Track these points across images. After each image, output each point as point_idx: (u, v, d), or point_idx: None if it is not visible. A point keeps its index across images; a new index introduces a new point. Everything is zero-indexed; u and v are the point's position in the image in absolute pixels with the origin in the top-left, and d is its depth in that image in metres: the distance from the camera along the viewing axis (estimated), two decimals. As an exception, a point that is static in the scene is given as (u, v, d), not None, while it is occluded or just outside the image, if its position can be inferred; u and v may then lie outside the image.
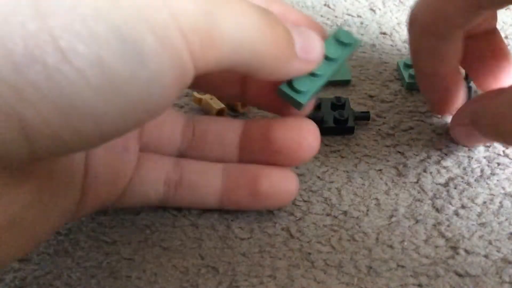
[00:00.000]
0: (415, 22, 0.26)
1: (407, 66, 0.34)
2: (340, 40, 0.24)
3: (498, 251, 0.24)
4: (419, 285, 0.22)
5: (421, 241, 0.24)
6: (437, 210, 0.26)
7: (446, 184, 0.27)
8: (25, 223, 0.18)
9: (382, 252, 0.24)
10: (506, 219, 0.25)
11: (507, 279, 0.23)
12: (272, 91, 0.23)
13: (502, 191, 0.27)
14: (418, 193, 0.27)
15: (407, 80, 0.33)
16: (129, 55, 0.15)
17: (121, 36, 0.15)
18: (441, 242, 0.24)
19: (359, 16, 0.41)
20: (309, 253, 0.24)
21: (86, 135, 0.16)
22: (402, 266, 0.23)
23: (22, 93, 0.14)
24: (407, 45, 0.38)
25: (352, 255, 0.24)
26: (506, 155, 0.29)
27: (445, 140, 0.30)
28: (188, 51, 0.17)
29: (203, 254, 0.24)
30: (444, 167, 0.28)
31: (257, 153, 0.25)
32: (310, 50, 0.22)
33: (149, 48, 0.16)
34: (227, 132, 0.25)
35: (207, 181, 0.25)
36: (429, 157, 0.29)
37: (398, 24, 0.40)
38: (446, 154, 0.29)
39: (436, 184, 0.27)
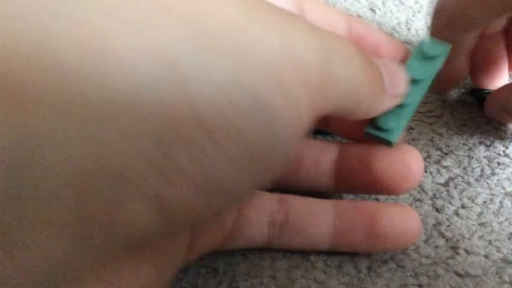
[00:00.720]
0: (440, 12, 0.25)
1: None
2: (426, 54, 0.23)
3: (498, 251, 0.24)
4: (419, 285, 0.22)
5: (421, 241, 0.24)
6: (437, 210, 0.26)
7: (446, 184, 0.27)
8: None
9: (382, 252, 0.24)
10: (506, 219, 0.25)
11: (507, 279, 0.23)
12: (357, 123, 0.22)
13: (503, 191, 0.27)
14: (418, 193, 0.27)
15: None
16: (263, 120, 0.14)
17: (256, 102, 0.14)
18: (441, 242, 0.24)
19: (359, 16, 0.41)
20: (309, 253, 0.24)
21: (220, 207, 0.15)
22: (402, 266, 0.23)
23: (164, 173, 0.13)
24: (407, 45, 0.38)
25: (352, 255, 0.24)
26: (507, 155, 0.29)
27: (445, 140, 0.30)
28: (309, 104, 0.16)
29: (203, 254, 0.24)
30: (444, 167, 0.28)
31: (356, 182, 0.23)
32: (397, 84, 0.21)
33: (279, 109, 0.14)
34: (323, 157, 0.24)
35: (317, 220, 0.23)
36: (429, 156, 0.29)
37: (398, 24, 0.40)
38: (446, 154, 0.29)
39: (436, 184, 0.27)
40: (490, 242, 0.24)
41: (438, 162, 0.28)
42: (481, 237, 0.24)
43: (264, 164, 0.15)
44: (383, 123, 0.21)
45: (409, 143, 0.29)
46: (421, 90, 0.22)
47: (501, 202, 0.26)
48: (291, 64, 0.15)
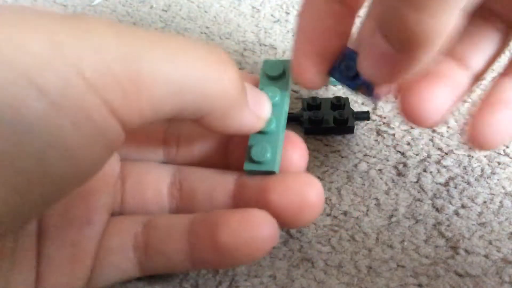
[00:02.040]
0: None
1: None
2: (270, 75, 0.23)
3: (498, 251, 0.24)
4: (419, 285, 0.22)
5: (421, 241, 0.24)
6: (437, 210, 0.26)
7: (446, 184, 0.27)
8: None
9: (382, 252, 0.24)
10: (506, 219, 0.25)
11: (507, 279, 0.23)
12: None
13: (503, 191, 0.27)
14: (418, 193, 0.27)
15: None
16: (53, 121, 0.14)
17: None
18: (441, 242, 0.24)
19: (358, 16, 0.41)
20: (309, 253, 0.24)
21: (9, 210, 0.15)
22: (402, 266, 0.23)
23: None
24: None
25: (352, 255, 0.24)
26: (507, 154, 0.29)
27: (445, 139, 0.30)
28: (107, 110, 0.15)
29: (203, 255, 0.24)
30: (444, 167, 0.28)
31: None
32: (260, 104, 0.21)
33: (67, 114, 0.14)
34: (218, 190, 0.22)
35: (172, 239, 0.21)
36: (429, 156, 0.29)
37: (398, 23, 0.40)
38: (446, 154, 0.29)
39: (436, 183, 0.27)
40: (490, 242, 0.24)
41: (438, 162, 0.28)
42: (481, 237, 0.24)
43: (60, 178, 0.15)
44: (259, 156, 0.21)
45: (409, 143, 0.30)
46: (281, 113, 0.22)
47: (501, 201, 0.26)
48: (70, 69, 0.15)
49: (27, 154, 0.14)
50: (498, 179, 0.27)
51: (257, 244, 0.20)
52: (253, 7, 0.43)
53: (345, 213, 0.26)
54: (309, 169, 0.28)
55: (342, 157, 0.29)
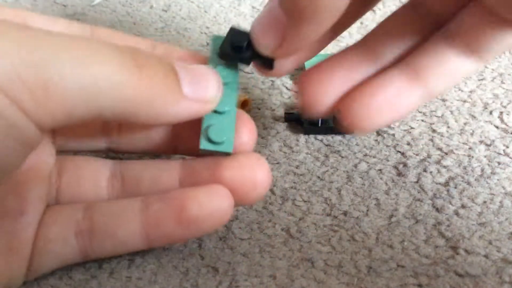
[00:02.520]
0: None
1: None
2: (219, 51, 0.22)
3: (498, 251, 0.24)
4: (419, 285, 0.22)
5: (421, 241, 0.24)
6: (437, 210, 0.26)
7: (446, 184, 0.27)
8: None
9: (382, 252, 0.24)
10: (507, 219, 0.25)
11: (507, 279, 0.23)
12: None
13: (503, 191, 0.27)
14: (418, 193, 0.27)
15: None
16: None
17: None
18: (441, 242, 0.24)
19: (359, 16, 0.41)
20: (309, 253, 0.24)
21: None
22: (402, 266, 0.23)
23: None
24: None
25: (352, 255, 0.24)
26: (507, 154, 0.29)
27: (445, 140, 0.30)
28: (18, 109, 0.16)
29: (203, 254, 0.24)
30: (444, 167, 0.28)
31: None
32: (204, 88, 0.20)
33: None
34: (164, 176, 0.23)
35: (122, 221, 0.21)
36: (429, 156, 0.29)
37: (399, 23, 0.40)
38: (446, 154, 0.29)
39: (436, 183, 0.27)
40: (490, 242, 0.24)
41: (438, 162, 0.28)
42: (481, 237, 0.24)
43: None
44: (218, 136, 0.21)
45: (409, 143, 0.30)
46: (234, 91, 0.22)
47: (501, 202, 0.26)
48: None
49: None
50: (498, 179, 0.27)
51: (222, 214, 0.21)
52: (253, 7, 0.43)
53: (345, 213, 0.26)
54: (309, 169, 0.28)
55: (342, 157, 0.29)
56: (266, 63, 0.22)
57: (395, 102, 0.22)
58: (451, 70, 0.22)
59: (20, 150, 0.17)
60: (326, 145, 0.30)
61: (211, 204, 0.21)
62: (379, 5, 0.42)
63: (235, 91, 0.22)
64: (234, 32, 0.22)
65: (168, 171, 0.23)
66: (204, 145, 0.21)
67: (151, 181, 0.23)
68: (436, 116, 0.31)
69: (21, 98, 0.16)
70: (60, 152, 0.24)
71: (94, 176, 0.23)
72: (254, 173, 0.22)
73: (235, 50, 0.22)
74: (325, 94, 0.23)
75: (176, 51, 0.23)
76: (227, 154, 0.22)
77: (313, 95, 0.23)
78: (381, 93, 0.22)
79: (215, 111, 0.22)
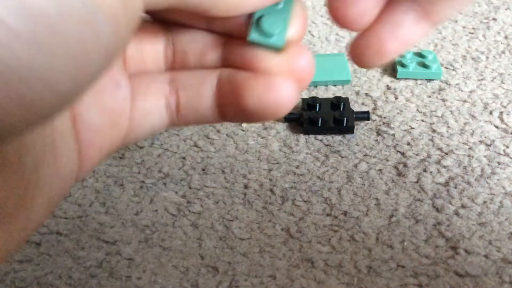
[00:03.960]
0: None
1: (400, 56, 0.35)
2: None
3: (498, 251, 0.24)
4: (419, 285, 0.22)
5: (421, 241, 0.24)
6: (437, 210, 0.26)
7: (446, 184, 0.27)
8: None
9: (382, 252, 0.24)
10: (506, 219, 0.25)
11: (507, 279, 0.23)
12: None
13: (503, 191, 0.27)
14: (418, 193, 0.27)
15: (399, 69, 0.35)
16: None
17: None
18: (441, 242, 0.24)
19: (359, 16, 0.41)
20: (309, 253, 0.24)
21: (35, 103, 0.14)
22: (402, 266, 0.23)
23: None
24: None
25: (352, 255, 0.24)
26: (507, 154, 0.29)
27: (445, 140, 0.30)
28: None
29: (203, 254, 0.24)
30: (444, 167, 0.28)
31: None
32: None
33: None
34: (208, 54, 0.23)
35: (204, 97, 0.23)
36: (429, 156, 0.29)
37: (399, 23, 0.40)
38: (446, 154, 0.29)
39: (436, 183, 0.27)
40: (490, 242, 0.24)
41: (438, 162, 0.28)
42: (481, 237, 0.24)
43: (81, 50, 0.14)
44: (270, 28, 0.20)
45: (409, 143, 0.30)
46: None
47: (501, 202, 0.26)
48: None
49: (78, 24, 0.14)
50: (498, 179, 0.27)
51: (279, 106, 0.21)
52: (253, 7, 0.43)
53: (345, 213, 0.26)
54: (309, 169, 0.28)
55: (342, 157, 0.29)
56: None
57: (404, 40, 0.23)
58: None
59: (129, 29, 0.16)
60: (326, 145, 0.30)
61: (268, 96, 0.21)
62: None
63: None
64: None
65: (212, 48, 0.23)
66: (253, 36, 0.21)
67: (196, 56, 0.23)
68: (436, 116, 0.31)
69: None
70: None
71: (154, 40, 0.23)
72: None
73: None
74: (357, 13, 0.23)
75: None
76: (277, 49, 0.21)
77: (346, 13, 0.23)
78: (393, 37, 0.22)
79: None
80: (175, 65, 0.24)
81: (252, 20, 0.21)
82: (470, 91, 0.33)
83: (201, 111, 0.23)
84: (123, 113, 0.22)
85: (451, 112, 0.32)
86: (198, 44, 0.23)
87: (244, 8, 0.20)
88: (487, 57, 0.36)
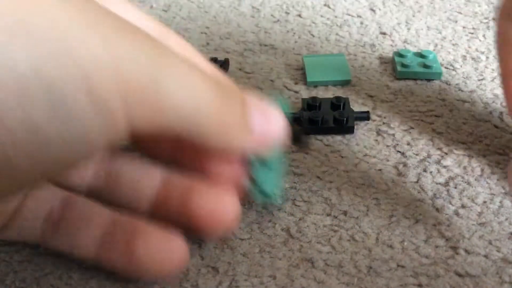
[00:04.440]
0: (498, 9, 0.24)
1: (400, 55, 0.35)
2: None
3: (498, 251, 0.24)
4: (419, 285, 0.22)
5: (421, 241, 0.24)
6: (437, 210, 0.26)
7: (446, 184, 0.27)
8: None
9: (382, 252, 0.24)
10: (506, 219, 0.25)
11: (507, 279, 0.23)
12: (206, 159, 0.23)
13: (503, 191, 0.27)
14: (418, 193, 0.27)
15: (399, 69, 0.34)
16: (62, 116, 0.15)
17: (55, 98, 0.15)
18: (441, 242, 0.24)
19: (359, 16, 0.41)
20: (309, 253, 0.24)
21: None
22: (402, 266, 0.23)
23: None
24: (407, 45, 0.38)
25: (352, 255, 0.24)
26: (506, 154, 0.29)
27: (445, 139, 0.30)
28: (124, 114, 0.16)
29: (203, 254, 0.24)
30: (444, 167, 0.28)
31: (173, 214, 0.23)
32: (269, 124, 0.21)
33: (80, 108, 0.15)
34: (144, 181, 0.23)
35: (87, 228, 0.22)
36: (429, 156, 0.29)
37: (398, 24, 0.40)
38: (446, 154, 0.29)
39: (436, 183, 0.27)
40: (490, 242, 0.24)
41: (438, 162, 0.28)
42: (481, 237, 0.24)
43: (57, 157, 0.16)
44: (270, 191, 0.23)
45: (409, 143, 0.30)
46: (279, 152, 0.23)
47: (501, 202, 0.26)
48: (112, 74, 0.16)
49: (63, 139, 0.15)
50: (498, 179, 0.27)
51: (170, 265, 0.22)
52: (253, 7, 0.43)
53: (345, 213, 0.26)
54: (310, 169, 0.28)
55: (342, 157, 0.29)
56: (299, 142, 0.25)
57: None
58: None
59: (106, 145, 0.17)
60: (326, 145, 0.30)
61: (161, 250, 0.21)
62: (379, 5, 0.42)
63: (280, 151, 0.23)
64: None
65: (149, 178, 0.23)
66: (258, 199, 0.23)
67: (131, 182, 0.23)
68: (436, 116, 0.31)
69: (133, 109, 0.16)
70: None
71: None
72: (224, 210, 0.22)
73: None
74: None
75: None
76: (276, 206, 0.24)
77: None
78: None
79: (264, 165, 0.23)
80: (105, 184, 0.23)
81: (255, 182, 0.23)
82: (470, 91, 0.33)
83: (78, 239, 0.22)
84: (10, 205, 0.22)
85: (451, 111, 0.32)
86: (136, 171, 0.23)
87: (234, 149, 0.21)
88: (487, 57, 0.36)
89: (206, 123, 0.19)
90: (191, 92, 0.18)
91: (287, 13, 0.42)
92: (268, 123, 0.21)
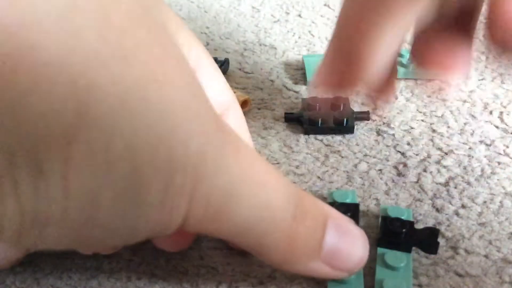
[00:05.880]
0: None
1: (400, 55, 0.35)
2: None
3: (498, 251, 0.24)
4: (419, 285, 0.22)
5: (421, 241, 0.24)
6: (437, 210, 0.26)
7: (446, 184, 0.27)
8: None
9: (382, 252, 0.24)
10: (507, 219, 0.25)
11: (507, 279, 0.23)
12: None
13: (503, 191, 0.27)
14: (418, 193, 0.27)
15: (399, 69, 0.34)
16: (126, 196, 0.14)
17: (133, 176, 0.14)
18: (441, 242, 0.24)
19: (359, 16, 0.41)
20: (309, 253, 0.24)
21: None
22: (402, 266, 0.23)
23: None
24: (407, 45, 0.38)
25: (352, 255, 0.24)
26: (507, 154, 0.29)
27: (445, 139, 0.30)
28: (185, 216, 0.16)
29: (203, 255, 0.24)
30: (444, 167, 0.28)
31: None
32: (343, 255, 0.19)
33: (148, 200, 0.15)
34: None
35: None
36: (429, 156, 0.29)
37: (398, 23, 0.40)
38: (446, 153, 0.29)
39: (436, 183, 0.27)
40: (490, 242, 0.24)
41: (438, 162, 0.28)
42: (481, 237, 0.24)
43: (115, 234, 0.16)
44: None
45: (409, 143, 0.30)
46: (408, 277, 0.22)
47: (501, 202, 0.26)
48: (191, 171, 0.15)
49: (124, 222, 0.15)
50: (498, 179, 0.27)
51: None
52: (253, 7, 0.43)
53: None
54: (309, 169, 0.28)
55: (342, 157, 0.29)
56: (430, 248, 0.23)
57: None
58: None
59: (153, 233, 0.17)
60: (326, 145, 0.30)
61: None
62: (379, 5, 0.42)
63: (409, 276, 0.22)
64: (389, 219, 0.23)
65: None
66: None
67: None
68: (436, 116, 0.31)
69: (196, 213, 0.16)
70: None
71: None
72: None
73: (394, 236, 0.23)
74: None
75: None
76: None
77: None
78: None
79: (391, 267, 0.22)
80: None
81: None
82: (470, 91, 0.33)
83: None
84: None
85: (451, 112, 0.32)
86: None
87: (297, 271, 0.20)
88: (487, 57, 0.36)
89: (271, 245, 0.18)
90: (264, 211, 0.17)
91: (287, 13, 0.42)
92: (343, 253, 0.19)
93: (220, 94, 0.22)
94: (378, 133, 0.30)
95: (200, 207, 0.16)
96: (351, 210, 0.23)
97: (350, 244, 0.20)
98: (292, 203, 0.18)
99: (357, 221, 0.23)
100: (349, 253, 0.20)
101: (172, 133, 0.14)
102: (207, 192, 0.16)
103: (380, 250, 0.23)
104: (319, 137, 0.30)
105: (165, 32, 0.15)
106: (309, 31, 0.40)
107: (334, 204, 0.24)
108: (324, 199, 0.26)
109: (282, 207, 0.18)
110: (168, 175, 0.15)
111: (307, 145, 0.30)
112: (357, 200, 0.26)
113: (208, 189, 0.16)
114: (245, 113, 0.32)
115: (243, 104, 0.32)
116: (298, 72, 0.35)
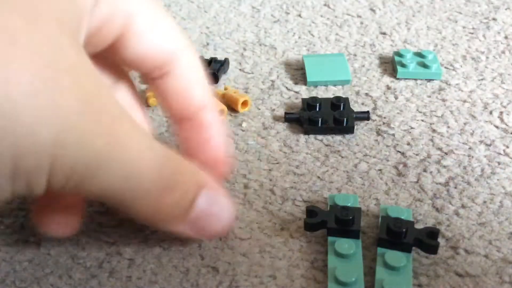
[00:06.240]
0: None
1: (400, 55, 0.36)
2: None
3: (498, 251, 0.24)
4: (419, 285, 0.22)
5: (421, 241, 0.24)
6: (437, 210, 0.26)
7: (446, 184, 0.27)
8: None
9: (382, 252, 0.24)
10: (506, 219, 0.25)
11: (507, 279, 0.23)
12: None
13: (503, 191, 0.27)
14: (418, 193, 0.27)
15: (399, 69, 0.35)
16: None
17: None
18: (441, 242, 0.24)
19: (359, 16, 0.41)
20: (309, 253, 0.24)
21: None
22: (402, 266, 0.23)
23: None
24: (407, 45, 0.38)
25: (352, 255, 0.24)
26: (507, 154, 0.29)
27: (445, 140, 0.30)
28: (47, 185, 0.17)
29: (203, 254, 0.24)
30: (444, 167, 0.28)
31: None
32: (206, 226, 0.22)
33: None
34: None
35: None
36: (429, 156, 0.29)
37: (398, 24, 0.40)
38: (446, 154, 0.29)
39: (436, 183, 0.27)
40: (490, 242, 0.24)
41: (438, 162, 0.28)
42: (481, 237, 0.24)
43: None
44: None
45: (409, 143, 0.30)
46: (408, 277, 0.22)
47: (501, 201, 0.26)
48: (45, 153, 0.16)
49: None
50: (498, 179, 0.27)
51: None
52: (253, 7, 0.43)
53: (345, 213, 0.26)
54: (310, 169, 0.28)
55: (342, 157, 0.29)
56: (430, 248, 0.23)
57: None
58: None
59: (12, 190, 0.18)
60: (326, 145, 0.30)
61: None
62: (379, 5, 0.42)
63: (409, 278, 0.22)
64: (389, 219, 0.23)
65: None
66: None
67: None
68: (436, 116, 0.31)
69: (56, 178, 0.17)
70: None
71: None
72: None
73: (394, 236, 0.23)
74: None
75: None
76: None
77: None
78: None
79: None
80: None
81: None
82: (470, 91, 0.33)
83: None
84: None
85: (451, 112, 0.32)
86: None
87: (162, 228, 0.22)
88: (487, 57, 0.36)
89: (139, 209, 0.20)
90: (131, 181, 0.19)
91: (287, 13, 0.42)
92: (209, 221, 0.22)
93: (160, 43, 0.22)
94: (378, 133, 0.30)
95: (61, 179, 0.17)
96: (353, 214, 0.23)
97: (215, 215, 0.22)
98: (164, 175, 0.20)
99: (358, 225, 0.23)
100: (212, 223, 0.22)
101: (16, 124, 0.16)
102: (69, 166, 0.17)
103: (380, 250, 0.23)
104: (319, 137, 0.30)
105: None
106: (309, 31, 0.40)
107: (334, 207, 0.24)
108: (324, 199, 0.27)
109: (150, 179, 0.19)
110: (14, 160, 0.16)
111: (307, 145, 0.30)
112: (359, 205, 0.26)
113: (70, 163, 0.17)
114: (245, 113, 0.32)
115: (243, 104, 0.32)
116: (298, 72, 0.36)
